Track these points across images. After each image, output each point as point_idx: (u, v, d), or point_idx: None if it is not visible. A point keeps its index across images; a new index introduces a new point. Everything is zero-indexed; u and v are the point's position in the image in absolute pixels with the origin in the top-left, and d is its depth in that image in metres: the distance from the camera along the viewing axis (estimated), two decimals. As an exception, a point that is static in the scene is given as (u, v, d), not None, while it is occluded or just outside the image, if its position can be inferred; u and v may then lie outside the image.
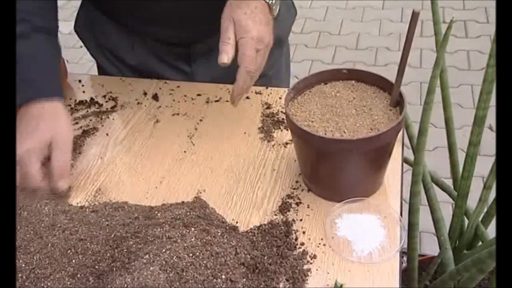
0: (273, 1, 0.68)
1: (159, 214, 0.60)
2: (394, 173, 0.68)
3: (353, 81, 0.66)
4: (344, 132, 0.59)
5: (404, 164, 0.72)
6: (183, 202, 0.65)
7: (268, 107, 0.81)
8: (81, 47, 3.02)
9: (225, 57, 0.64)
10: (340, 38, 2.49)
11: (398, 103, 0.62)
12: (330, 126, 0.60)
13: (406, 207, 0.75)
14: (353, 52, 2.40)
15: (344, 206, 0.62)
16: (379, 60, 2.33)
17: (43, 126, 0.60)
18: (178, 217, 0.60)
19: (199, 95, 0.86)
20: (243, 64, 0.64)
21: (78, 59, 2.56)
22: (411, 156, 0.78)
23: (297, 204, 0.65)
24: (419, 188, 0.66)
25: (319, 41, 2.49)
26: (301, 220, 0.63)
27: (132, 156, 0.75)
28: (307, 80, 0.66)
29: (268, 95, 0.84)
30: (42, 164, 0.60)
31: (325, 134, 0.59)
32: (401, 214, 0.64)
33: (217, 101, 0.84)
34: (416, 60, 2.26)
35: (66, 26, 3.30)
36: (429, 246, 1.49)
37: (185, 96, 0.86)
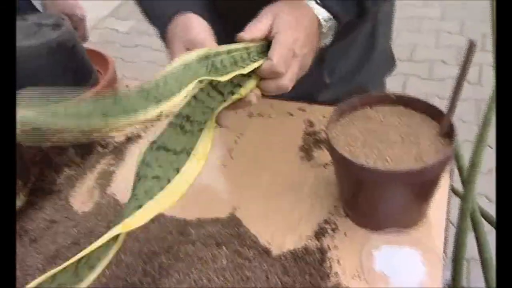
0: (326, 21, 0.60)
1: (193, 231, 0.61)
2: (440, 204, 0.65)
3: (401, 107, 0.64)
4: (387, 161, 0.57)
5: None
6: (218, 218, 0.65)
7: (311, 125, 0.80)
8: (136, 46, 3.11)
9: (247, 35, 0.56)
10: (394, 49, 2.42)
11: (448, 134, 0.58)
12: (372, 153, 0.58)
13: (452, 231, 0.71)
14: (407, 64, 2.33)
15: (383, 237, 0.60)
16: (435, 74, 2.25)
17: (177, 35, 0.62)
18: (211, 234, 0.60)
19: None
20: (269, 59, 0.54)
21: (133, 57, 2.65)
22: (460, 182, 0.74)
23: (333, 230, 0.63)
24: (467, 224, 0.62)
25: (371, 50, 2.43)
26: (336, 248, 0.61)
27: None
28: (352, 102, 0.64)
29: (312, 112, 0.83)
30: None
31: (366, 161, 0.57)
32: (446, 247, 0.60)
33: (260, 115, 0.84)
34: (475, 76, 2.16)
35: (123, 25, 3.41)
36: (480, 277, 1.40)
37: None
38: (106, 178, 0.76)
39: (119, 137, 0.84)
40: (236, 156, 0.77)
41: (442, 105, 0.57)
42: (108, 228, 0.64)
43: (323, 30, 0.61)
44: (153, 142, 0.57)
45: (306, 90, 0.83)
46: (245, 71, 0.54)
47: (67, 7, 1.03)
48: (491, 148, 1.82)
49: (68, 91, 0.87)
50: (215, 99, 0.58)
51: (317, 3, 0.60)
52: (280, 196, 0.69)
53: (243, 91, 0.57)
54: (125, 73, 2.52)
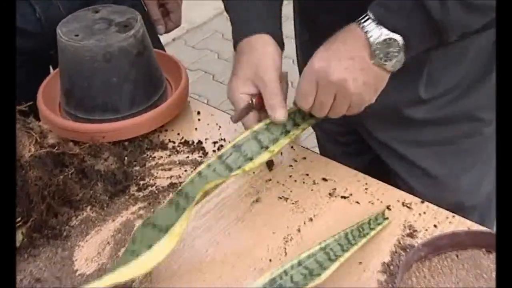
0: (377, 40, 0.66)
1: None
2: None
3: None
4: None
5: None
6: None
7: (411, 234, 0.68)
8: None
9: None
10: None
11: None
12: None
13: None
14: None
15: None
16: None
17: (244, 61, 0.74)
18: None
19: (324, 180, 0.78)
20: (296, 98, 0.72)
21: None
22: None
23: None
24: None
25: None
26: None
27: (206, 241, 0.72)
28: (458, 237, 0.52)
29: (420, 214, 0.71)
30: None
31: None
32: None
33: (344, 197, 0.76)
34: None
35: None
36: None
37: (306, 175, 0.79)
38: (125, 233, 0.75)
39: (162, 180, 0.82)
40: (291, 252, 0.69)
41: None
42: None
43: (377, 53, 0.66)
44: (146, 220, 0.70)
45: (392, 103, 0.84)
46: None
47: None
48: None
49: (124, 104, 0.89)
50: (221, 174, 0.69)
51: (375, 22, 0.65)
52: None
53: (248, 167, 0.70)
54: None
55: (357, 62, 0.66)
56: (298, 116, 0.74)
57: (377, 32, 0.65)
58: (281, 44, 0.76)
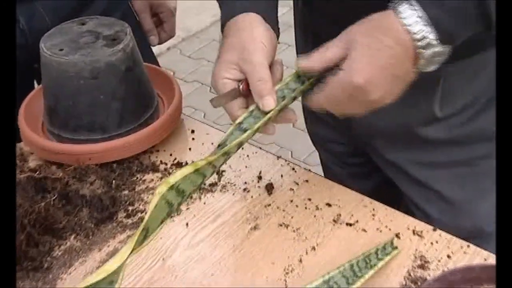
0: (426, 48, 0.62)
1: None
2: None
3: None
4: None
5: None
6: None
7: (423, 266, 0.67)
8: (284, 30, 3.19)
9: (304, 62, 0.66)
10: None
11: None
12: None
13: None
14: None
15: None
16: None
17: (230, 44, 0.72)
18: None
19: (328, 205, 0.77)
20: (314, 101, 0.67)
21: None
22: None
23: None
24: None
25: None
26: None
27: (199, 273, 0.71)
28: (472, 271, 0.51)
29: (432, 243, 0.70)
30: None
31: None
32: None
33: (350, 224, 0.75)
34: None
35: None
36: None
37: (308, 199, 0.78)
38: (113, 264, 0.74)
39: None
40: (294, 282, 0.68)
41: None
42: None
43: (423, 57, 0.62)
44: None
45: (404, 122, 0.84)
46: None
47: None
48: None
49: (112, 124, 0.88)
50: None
51: (420, 16, 0.60)
52: None
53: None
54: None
55: (402, 79, 0.64)
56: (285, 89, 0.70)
57: (429, 42, 0.61)
58: (274, 28, 0.72)
